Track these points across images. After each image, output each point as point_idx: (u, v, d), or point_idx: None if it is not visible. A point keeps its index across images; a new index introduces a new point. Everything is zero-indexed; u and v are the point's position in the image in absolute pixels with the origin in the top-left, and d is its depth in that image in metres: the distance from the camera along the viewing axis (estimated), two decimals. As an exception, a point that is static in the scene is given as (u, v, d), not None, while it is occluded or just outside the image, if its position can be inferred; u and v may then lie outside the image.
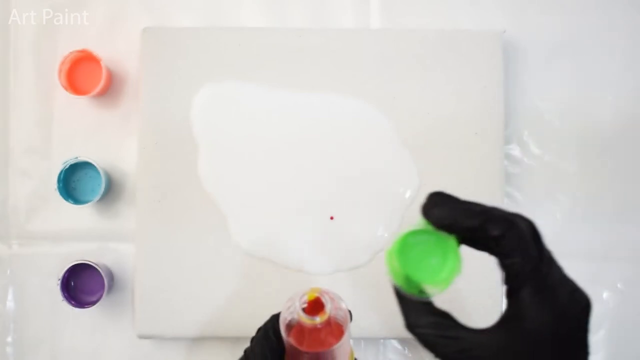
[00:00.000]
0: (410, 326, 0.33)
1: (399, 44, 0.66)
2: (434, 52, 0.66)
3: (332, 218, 0.64)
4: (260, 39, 0.66)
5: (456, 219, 0.32)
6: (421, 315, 0.33)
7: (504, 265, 0.32)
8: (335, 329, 0.38)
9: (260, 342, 0.45)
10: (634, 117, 0.69)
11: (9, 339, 0.67)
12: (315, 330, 0.40)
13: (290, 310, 0.40)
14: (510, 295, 0.32)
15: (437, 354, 0.32)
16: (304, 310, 0.39)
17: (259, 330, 0.46)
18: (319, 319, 0.38)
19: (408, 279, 0.34)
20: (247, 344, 0.47)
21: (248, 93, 0.66)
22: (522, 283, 0.31)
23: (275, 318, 0.46)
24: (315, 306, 0.39)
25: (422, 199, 0.35)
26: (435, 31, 0.66)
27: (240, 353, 0.47)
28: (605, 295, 0.68)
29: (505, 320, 0.32)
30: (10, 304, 0.67)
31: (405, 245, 0.35)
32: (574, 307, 0.31)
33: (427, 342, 0.32)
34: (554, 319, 0.30)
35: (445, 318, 0.33)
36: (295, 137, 0.65)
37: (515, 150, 0.69)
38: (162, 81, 0.66)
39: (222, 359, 0.66)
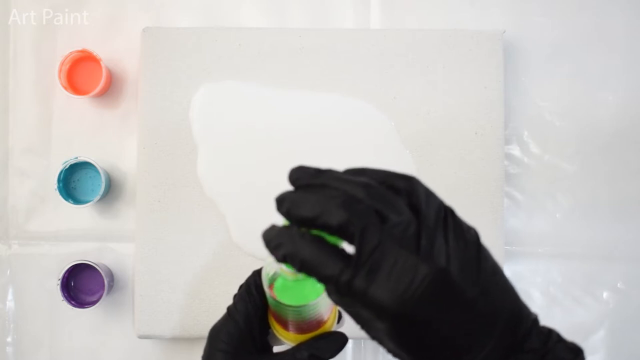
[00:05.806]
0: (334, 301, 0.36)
1: (399, 44, 0.66)
2: (434, 52, 0.66)
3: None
4: (260, 39, 0.66)
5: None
6: (331, 293, 0.35)
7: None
8: None
9: (242, 299, 0.44)
10: (634, 117, 0.69)
11: (9, 339, 0.67)
12: (297, 282, 0.39)
13: (272, 264, 0.40)
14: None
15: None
16: None
17: (241, 287, 0.46)
18: None
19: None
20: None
21: (248, 93, 0.66)
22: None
23: (257, 273, 0.45)
24: None
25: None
26: (435, 31, 0.66)
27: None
28: (605, 295, 0.68)
29: None
30: (10, 304, 0.67)
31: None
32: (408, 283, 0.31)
33: (346, 311, 0.36)
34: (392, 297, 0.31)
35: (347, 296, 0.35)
36: (295, 137, 0.65)
37: (515, 150, 0.69)
38: (161, 81, 0.65)
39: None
